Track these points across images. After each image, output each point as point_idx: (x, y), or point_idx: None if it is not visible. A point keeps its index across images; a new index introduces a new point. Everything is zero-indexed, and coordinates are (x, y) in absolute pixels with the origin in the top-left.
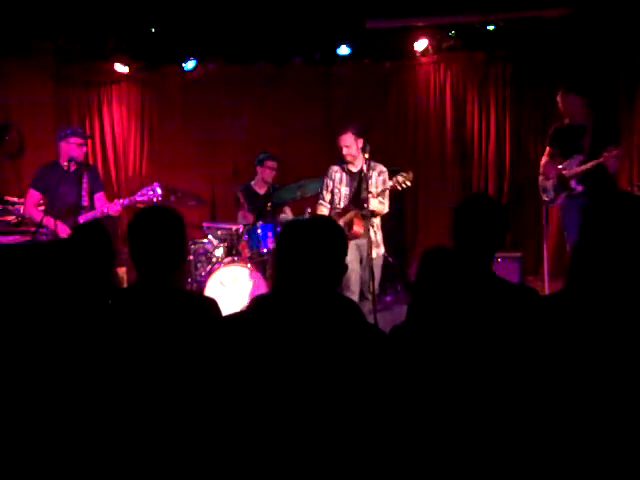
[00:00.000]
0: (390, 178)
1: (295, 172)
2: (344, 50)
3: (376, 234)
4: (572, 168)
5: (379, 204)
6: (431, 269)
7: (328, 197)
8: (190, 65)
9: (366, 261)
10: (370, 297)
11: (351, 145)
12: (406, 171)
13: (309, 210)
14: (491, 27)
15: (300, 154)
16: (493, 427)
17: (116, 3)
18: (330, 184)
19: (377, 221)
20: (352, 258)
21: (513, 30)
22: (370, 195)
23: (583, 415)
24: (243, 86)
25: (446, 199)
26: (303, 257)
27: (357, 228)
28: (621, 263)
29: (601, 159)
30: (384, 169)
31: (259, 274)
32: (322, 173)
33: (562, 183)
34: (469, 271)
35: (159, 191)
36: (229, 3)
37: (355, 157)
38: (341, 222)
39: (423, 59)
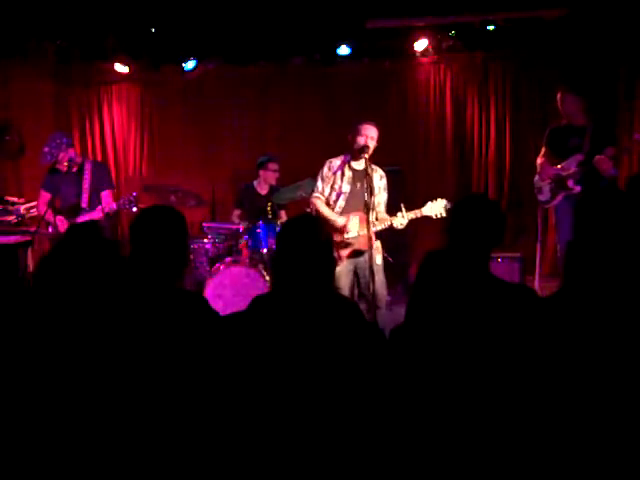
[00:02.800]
0: (424, 204)
1: (295, 172)
2: (344, 50)
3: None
4: (570, 168)
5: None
6: (431, 271)
7: (327, 191)
8: (190, 65)
9: (369, 268)
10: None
11: (375, 139)
12: (402, 214)
13: (308, 211)
14: (491, 27)
15: (300, 154)
16: (492, 426)
17: (116, 3)
18: (331, 178)
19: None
20: (345, 267)
21: (513, 30)
22: (400, 210)
23: (582, 414)
24: (243, 86)
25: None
26: (290, 256)
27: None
28: (614, 260)
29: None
30: (384, 173)
31: (259, 274)
32: None
33: (560, 183)
34: (466, 271)
35: (135, 201)
36: (229, 3)
37: (370, 154)
38: (355, 232)
39: (423, 59)
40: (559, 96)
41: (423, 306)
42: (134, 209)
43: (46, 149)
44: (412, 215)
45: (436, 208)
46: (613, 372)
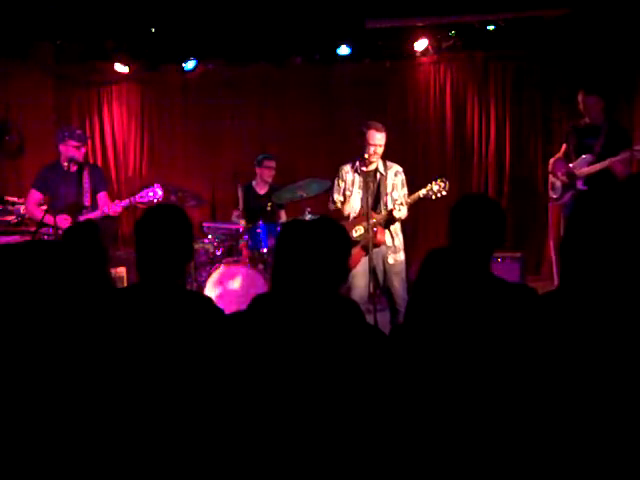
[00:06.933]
0: (424, 185)
1: (295, 172)
2: (344, 50)
3: (394, 239)
4: (581, 168)
5: (405, 211)
6: (432, 269)
7: (340, 199)
8: (190, 65)
9: (382, 268)
10: (400, 309)
11: (383, 145)
12: (442, 179)
13: (309, 210)
14: (491, 27)
15: (300, 154)
16: (492, 426)
17: (116, 3)
18: (342, 185)
19: (396, 225)
20: (362, 267)
21: (513, 30)
22: (395, 201)
23: (583, 413)
24: (243, 86)
25: (446, 199)
26: (304, 257)
27: (380, 236)
28: (609, 256)
29: (607, 163)
30: (400, 169)
31: (259, 274)
32: (322, 173)
33: (570, 182)
34: (467, 271)
35: (160, 192)
36: (229, 3)
37: (378, 159)
38: (362, 229)
39: (423, 59)
40: (580, 96)
41: (424, 305)
42: (160, 200)
43: (80, 131)
44: (410, 201)
45: (434, 188)
46: (613, 371)
